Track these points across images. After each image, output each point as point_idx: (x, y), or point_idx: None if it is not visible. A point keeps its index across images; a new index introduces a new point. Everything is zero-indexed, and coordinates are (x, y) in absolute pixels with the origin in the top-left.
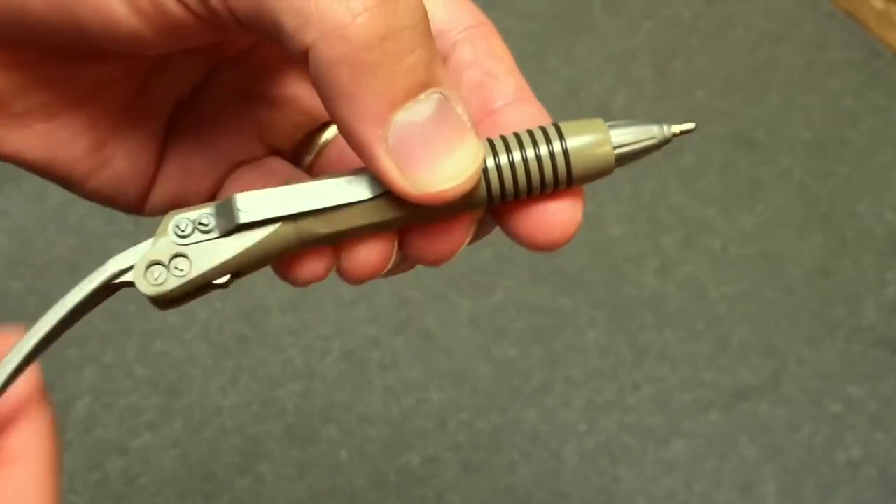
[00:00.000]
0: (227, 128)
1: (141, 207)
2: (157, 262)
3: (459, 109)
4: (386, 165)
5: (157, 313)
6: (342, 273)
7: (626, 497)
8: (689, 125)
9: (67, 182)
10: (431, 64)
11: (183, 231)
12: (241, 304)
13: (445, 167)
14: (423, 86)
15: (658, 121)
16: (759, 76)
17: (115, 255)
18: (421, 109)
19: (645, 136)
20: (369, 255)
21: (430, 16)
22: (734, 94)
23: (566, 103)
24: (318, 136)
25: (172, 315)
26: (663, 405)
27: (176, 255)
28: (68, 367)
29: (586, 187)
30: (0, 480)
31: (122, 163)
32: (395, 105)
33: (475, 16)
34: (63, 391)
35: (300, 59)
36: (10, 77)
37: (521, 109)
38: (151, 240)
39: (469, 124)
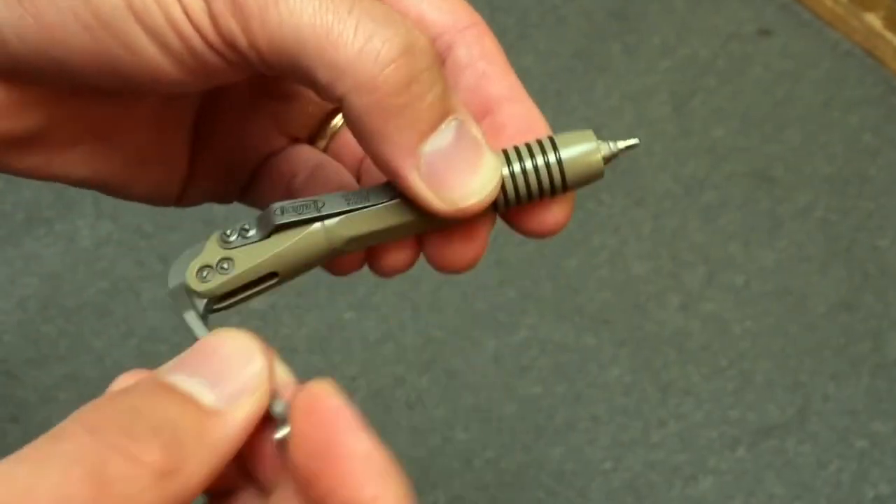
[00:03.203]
0: (247, 125)
1: (179, 203)
2: (207, 266)
3: (474, 130)
4: (421, 190)
5: None
6: (373, 268)
7: None
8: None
9: (110, 191)
10: (447, 94)
11: (228, 237)
12: (267, 344)
13: (471, 184)
14: (443, 116)
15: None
16: (778, 114)
17: (144, 297)
18: (443, 137)
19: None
20: (397, 258)
21: (425, 18)
22: (753, 131)
23: None
24: (328, 122)
25: None
26: (689, 442)
27: (222, 259)
28: None
29: (608, 231)
30: None
31: (157, 169)
32: (423, 138)
33: (468, 16)
34: None
35: (332, 103)
36: (53, 111)
37: (514, 108)
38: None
39: (483, 141)
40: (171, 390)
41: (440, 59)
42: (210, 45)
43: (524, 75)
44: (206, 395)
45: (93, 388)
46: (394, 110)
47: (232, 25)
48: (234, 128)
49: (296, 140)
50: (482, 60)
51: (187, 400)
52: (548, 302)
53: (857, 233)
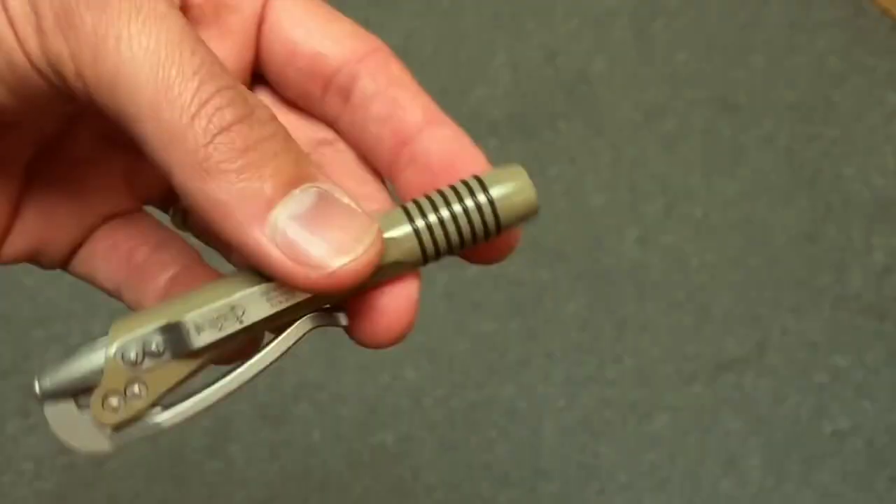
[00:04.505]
0: (92, 177)
1: None
2: (113, 392)
3: (346, 199)
4: (282, 263)
5: None
6: None
7: (608, 473)
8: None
9: None
10: (300, 163)
11: (133, 359)
12: None
13: (341, 244)
14: (295, 180)
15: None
16: (742, 37)
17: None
18: (300, 202)
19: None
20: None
21: (320, 52)
22: (716, 56)
23: (543, 69)
24: None
25: None
26: (645, 378)
27: (131, 383)
28: (33, 347)
29: (565, 161)
30: None
31: None
32: (270, 204)
33: (367, 43)
34: (28, 373)
35: (158, 167)
36: None
37: (434, 133)
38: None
39: (358, 209)
40: None
41: (288, 133)
42: (31, 61)
43: None
44: None
45: (24, 326)
46: (230, 177)
47: (60, 47)
48: (77, 175)
49: (147, 202)
50: (391, 87)
51: None
52: None
53: (821, 161)
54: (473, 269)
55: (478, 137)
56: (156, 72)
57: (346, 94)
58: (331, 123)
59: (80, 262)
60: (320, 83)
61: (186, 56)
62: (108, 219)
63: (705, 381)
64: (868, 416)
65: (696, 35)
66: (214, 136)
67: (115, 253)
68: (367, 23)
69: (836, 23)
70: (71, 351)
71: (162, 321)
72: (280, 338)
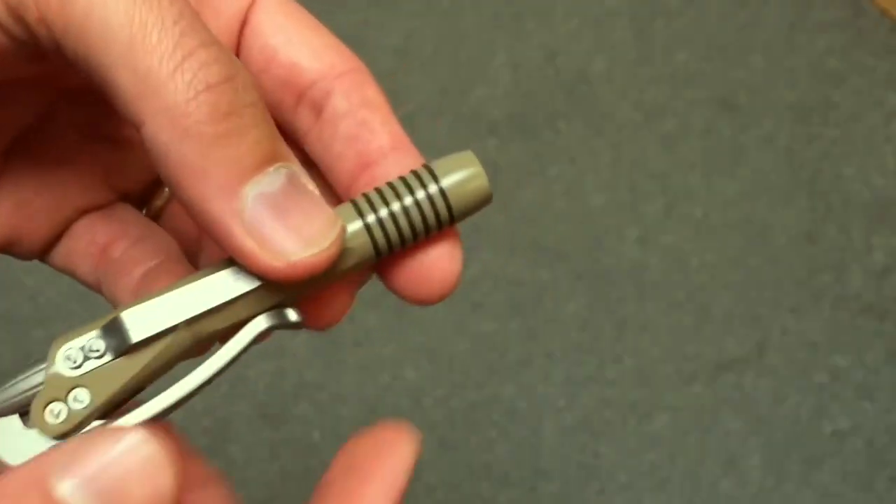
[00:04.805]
0: (70, 169)
1: None
2: (55, 400)
3: (311, 186)
4: (244, 242)
5: None
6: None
7: (608, 473)
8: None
9: None
10: (275, 140)
11: (75, 362)
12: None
13: (306, 235)
14: (271, 159)
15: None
16: (742, 38)
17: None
18: (272, 181)
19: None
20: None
21: (298, 63)
22: (716, 56)
23: (543, 69)
24: None
25: None
26: (645, 378)
27: (73, 389)
28: (33, 347)
29: (565, 161)
30: None
31: None
32: (245, 177)
33: (346, 60)
34: None
35: (133, 124)
36: None
37: (398, 160)
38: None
39: (321, 198)
40: None
41: (266, 107)
42: None
43: None
44: None
45: (24, 326)
46: (208, 139)
47: None
48: (55, 167)
49: (124, 196)
50: (363, 108)
51: None
52: (501, 235)
53: (821, 161)
54: (473, 269)
55: (478, 137)
56: (132, 15)
57: (318, 109)
58: (300, 138)
59: (60, 255)
60: (294, 94)
61: (165, 3)
62: (85, 212)
63: (705, 381)
64: (868, 416)
65: (696, 35)
66: (199, 92)
67: (93, 247)
68: (366, 23)
69: (836, 23)
70: (15, 372)
71: (102, 322)
72: (231, 341)
